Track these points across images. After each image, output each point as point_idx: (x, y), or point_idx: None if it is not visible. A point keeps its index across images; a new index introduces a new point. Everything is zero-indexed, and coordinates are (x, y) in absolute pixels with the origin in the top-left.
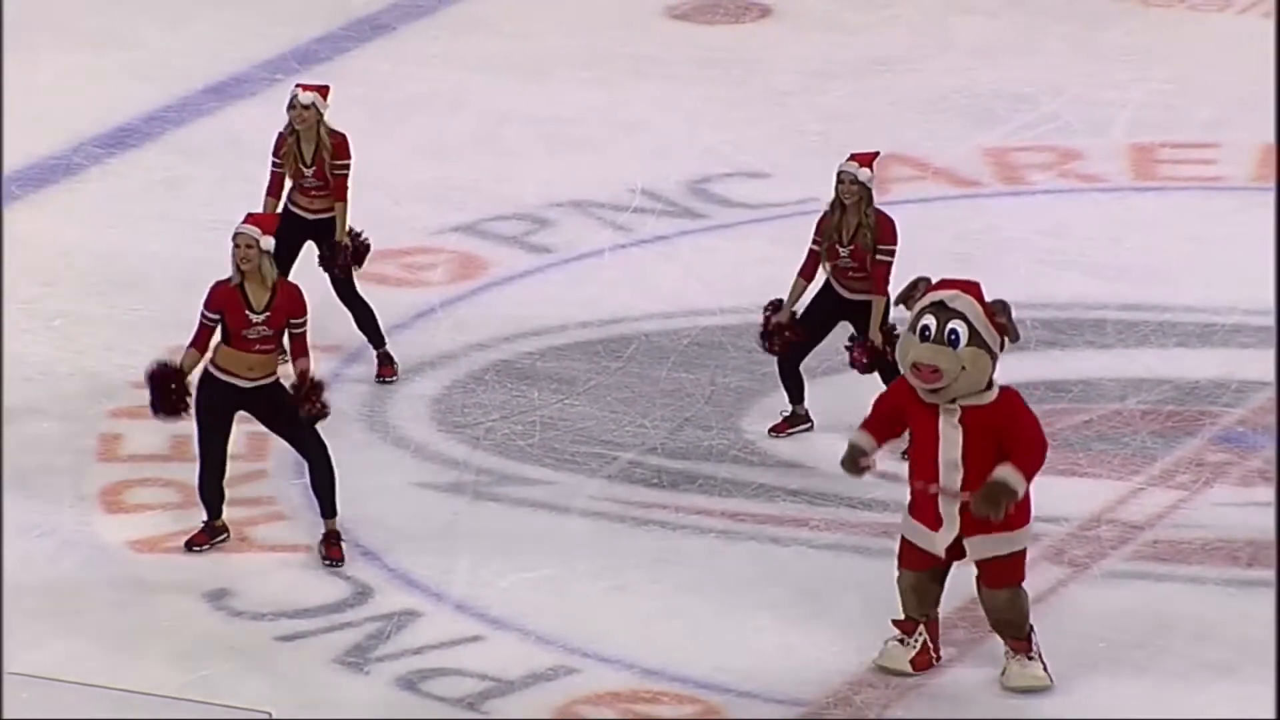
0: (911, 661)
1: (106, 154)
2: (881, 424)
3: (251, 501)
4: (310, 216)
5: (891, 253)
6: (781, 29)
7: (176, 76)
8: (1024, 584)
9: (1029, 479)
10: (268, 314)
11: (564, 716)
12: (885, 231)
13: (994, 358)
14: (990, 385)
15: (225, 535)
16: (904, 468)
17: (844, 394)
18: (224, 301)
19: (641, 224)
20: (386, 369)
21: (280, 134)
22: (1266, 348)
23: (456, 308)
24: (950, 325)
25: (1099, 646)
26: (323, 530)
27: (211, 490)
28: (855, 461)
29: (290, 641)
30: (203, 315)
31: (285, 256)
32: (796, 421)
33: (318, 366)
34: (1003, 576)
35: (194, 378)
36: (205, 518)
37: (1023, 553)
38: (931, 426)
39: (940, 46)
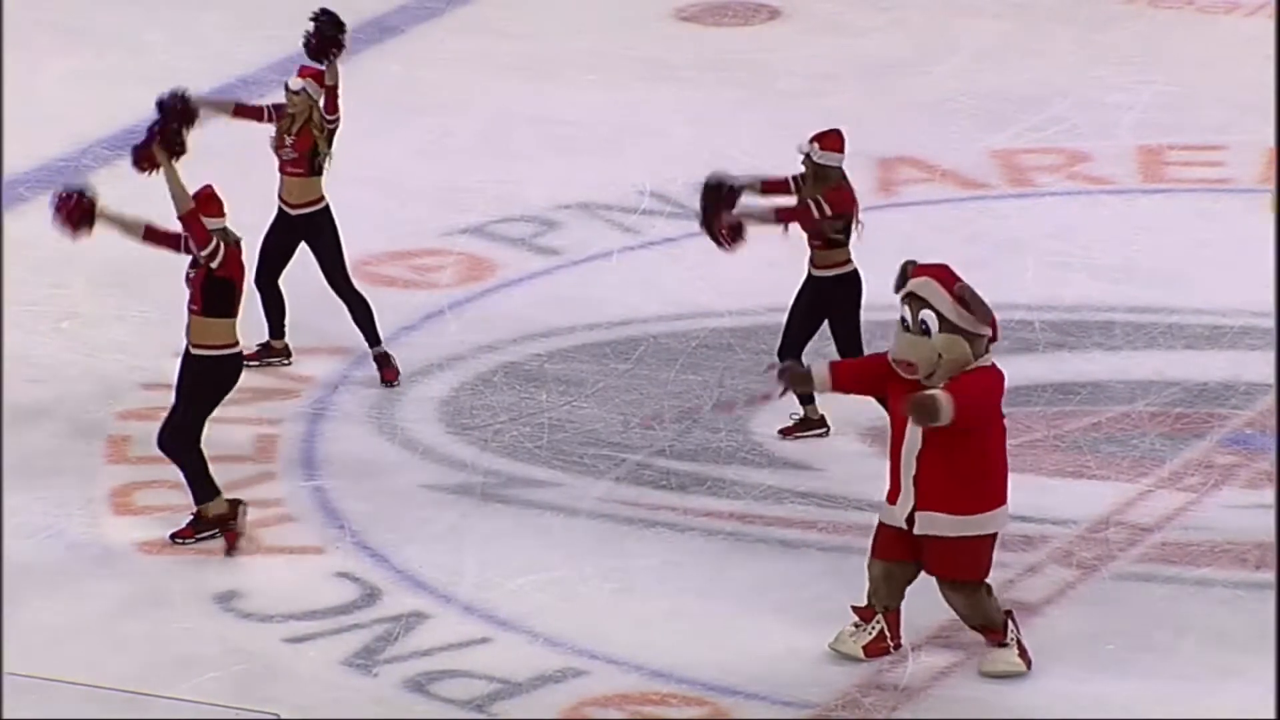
0: (864, 648)
1: (114, 156)
2: (855, 374)
3: (260, 503)
4: (294, 212)
5: (819, 204)
6: (789, 31)
7: (184, 79)
8: (984, 582)
9: (959, 406)
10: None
11: (572, 718)
12: (832, 197)
13: (972, 336)
14: (977, 361)
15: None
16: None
17: (857, 399)
18: None
19: (649, 226)
20: (388, 371)
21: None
22: (1274, 350)
23: (465, 310)
24: (921, 315)
25: (1107, 649)
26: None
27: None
28: (794, 383)
29: (299, 643)
30: None
31: (279, 258)
32: (809, 426)
33: (324, 368)
34: (950, 565)
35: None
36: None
37: (976, 546)
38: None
39: (948, 49)
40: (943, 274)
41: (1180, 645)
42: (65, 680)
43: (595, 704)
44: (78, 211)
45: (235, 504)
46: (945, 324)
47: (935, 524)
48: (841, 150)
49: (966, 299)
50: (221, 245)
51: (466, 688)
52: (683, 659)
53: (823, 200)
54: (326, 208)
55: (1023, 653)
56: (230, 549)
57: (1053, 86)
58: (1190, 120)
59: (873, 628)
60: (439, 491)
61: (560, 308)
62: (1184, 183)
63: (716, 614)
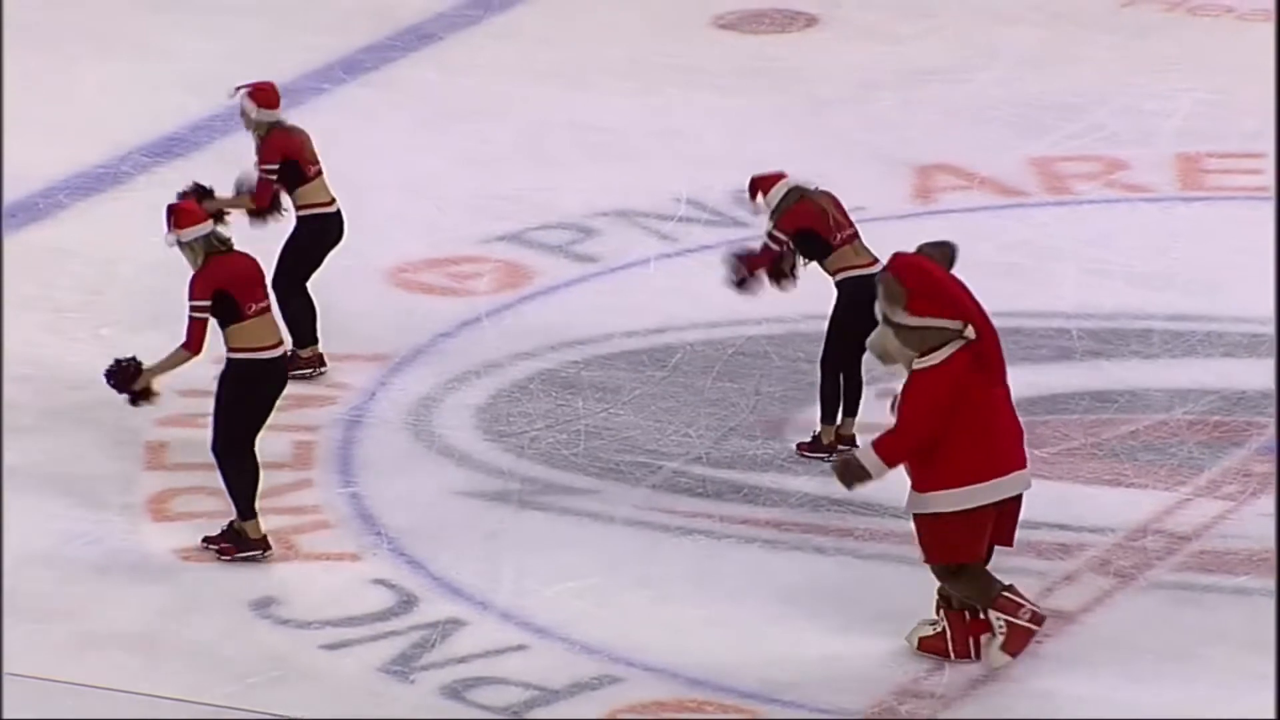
0: (921, 640)
1: (154, 163)
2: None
3: (297, 510)
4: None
5: (772, 238)
6: (827, 38)
7: (224, 86)
8: (964, 570)
9: (887, 461)
10: None
11: None
12: (783, 221)
13: (899, 327)
14: (931, 353)
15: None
16: None
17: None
18: None
19: (686, 233)
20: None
21: None
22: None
23: (502, 317)
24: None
25: (1145, 658)
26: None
27: None
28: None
29: (336, 650)
30: None
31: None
32: (819, 449)
33: (361, 374)
34: (922, 543)
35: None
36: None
37: (930, 525)
38: None
39: (986, 56)
40: (893, 262)
41: (1217, 654)
42: (100, 687)
43: (631, 711)
44: (126, 377)
45: (264, 539)
46: (883, 318)
47: (908, 499)
48: (767, 190)
49: (881, 282)
50: (209, 307)
51: (503, 695)
52: (719, 666)
53: (775, 232)
54: (300, 220)
55: (1012, 640)
56: (226, 554)
57: (1091, 94)
58: (1229, 128)
59: (938, 624)
60: (476, 498)
61: (597, 315)
62: (1223, 190)
63: (753, 621)
